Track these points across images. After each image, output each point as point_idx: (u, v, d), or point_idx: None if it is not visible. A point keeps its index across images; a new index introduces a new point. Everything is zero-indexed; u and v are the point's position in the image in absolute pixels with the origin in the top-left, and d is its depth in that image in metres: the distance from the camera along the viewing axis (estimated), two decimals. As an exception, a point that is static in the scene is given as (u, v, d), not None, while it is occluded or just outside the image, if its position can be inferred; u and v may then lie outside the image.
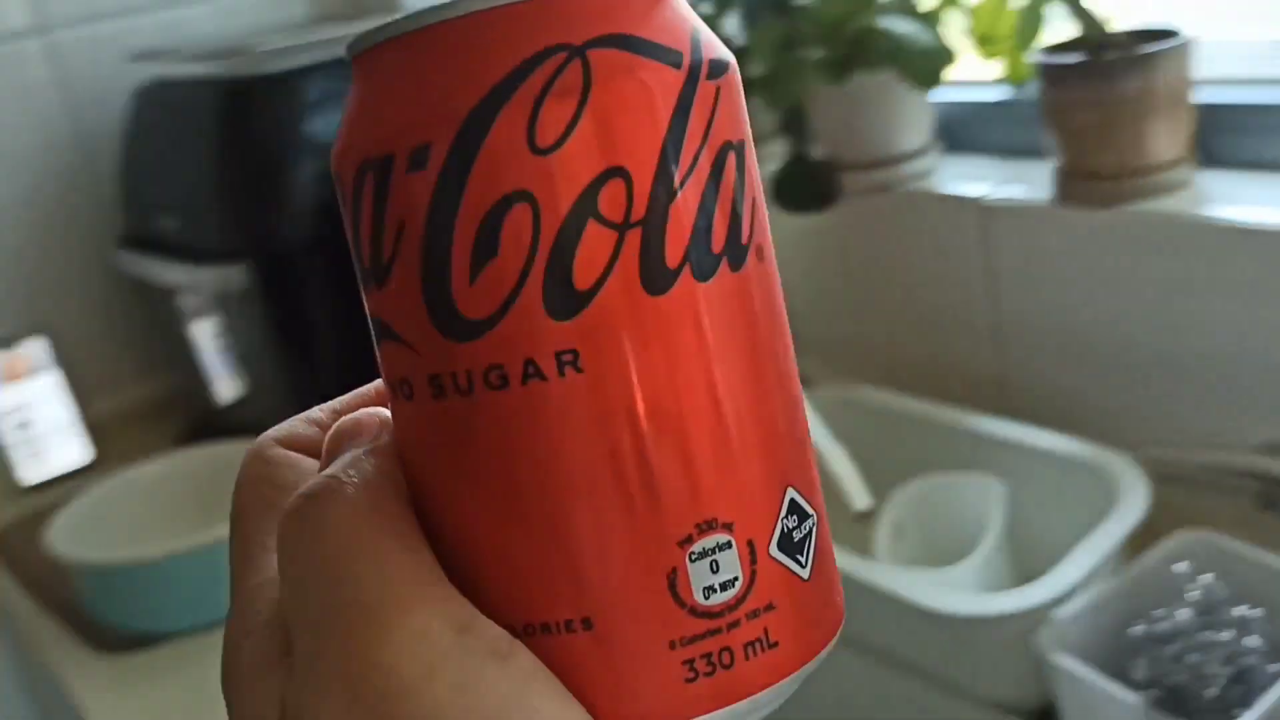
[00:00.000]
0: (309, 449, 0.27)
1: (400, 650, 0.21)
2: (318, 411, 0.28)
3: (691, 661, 0.23)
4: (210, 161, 1.03)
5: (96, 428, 1.33)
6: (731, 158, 0.23)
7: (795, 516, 0.24)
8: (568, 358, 0.22)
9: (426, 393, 0.23)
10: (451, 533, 0.23)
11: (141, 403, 1.38)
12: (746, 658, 0.23)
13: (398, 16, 0.23)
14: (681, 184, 0.23)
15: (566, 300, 0.22)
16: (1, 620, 1.11)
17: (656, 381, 0.22)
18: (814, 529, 0.25)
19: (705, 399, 0.23)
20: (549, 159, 0.22)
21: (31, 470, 1.28)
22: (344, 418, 0.26)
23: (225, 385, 1.20)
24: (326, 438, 0.26)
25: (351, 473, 0.24)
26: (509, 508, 0.23)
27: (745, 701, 0.23)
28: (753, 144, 0.25)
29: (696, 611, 0.23)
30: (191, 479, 1.06)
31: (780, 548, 0.24)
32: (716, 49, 0.24)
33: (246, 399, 1.16)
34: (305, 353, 1.06)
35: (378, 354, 0.25)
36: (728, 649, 0.23)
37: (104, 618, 0.95)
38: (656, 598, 0.23)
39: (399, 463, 0.24)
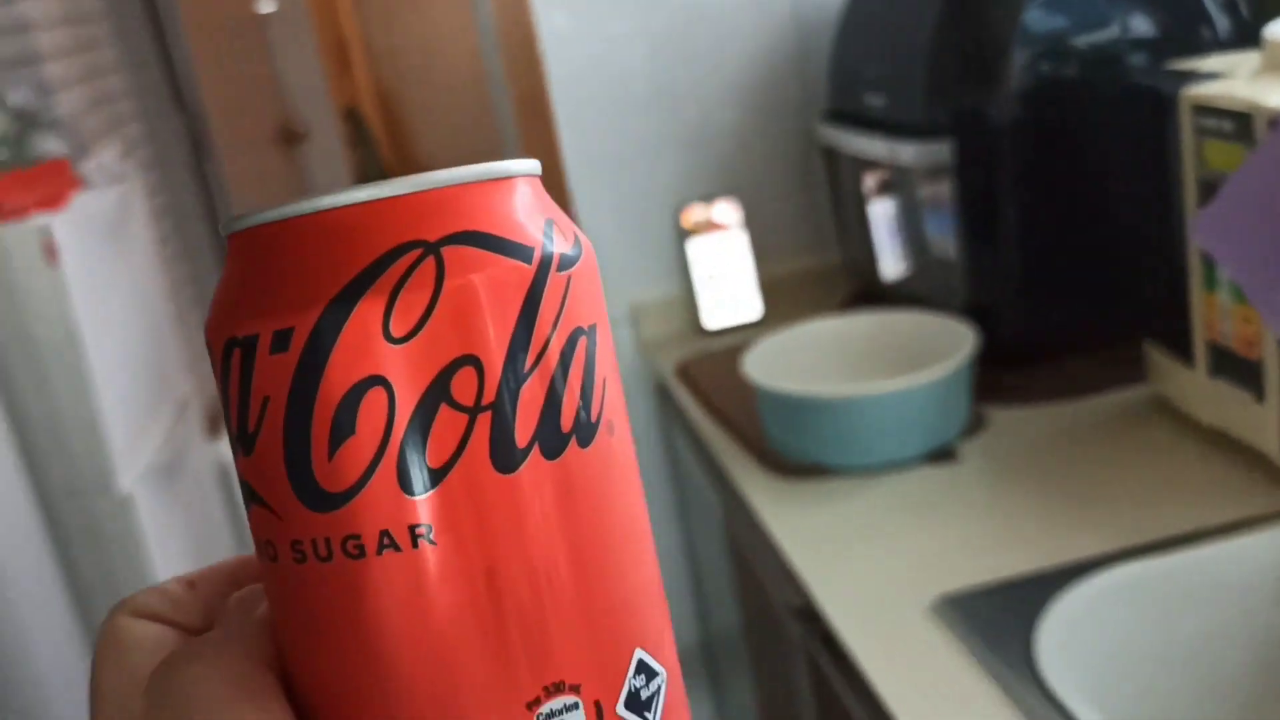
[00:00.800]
0: (159, 618, 0.27)
1: None
2: (172, 583, 0.28)
3: None
4: (927, 41, 1.08)
5: (768, 287, 1.46)
6: (582, 342, 0.25)
7: (643, 675, 0.25)
8: (421, 530, 0.23)
9: (289, 557, 0.24)
10: (312, 693, 0.24)
11: (811, 270, 1.50)
12: None
13: (274, 207, 0.24)
14: (530, 370, 0.24)
15: (420, 477, 0.23)
16: (693, 434, 1.27)
17: (505, 553, 0.23)
18: (662, 686, 0.26)
19: (554, 569, 0.24)
20: (404, 347, 0.23)
21: (712, 316, 1.45)
22: (236, 593, 0.27)
23: (893, 262, 1.28)
24: (221, 609, 0.27)
25: (212, 639, 0.25)
26: (365, 671, 0.24)
27: None
28: (607, 323, 0.26)
29: None
30: (857, 339, 1.14)
31: (628, 706, 0.25)
32: (569, 241, 0.25)
33: (913, 276, 1.22)
34: (988, 236, 1.09)
35: (247, 517, 0.25)
36: None
37: (781, 445, 1.06)
38: None
39: (268, 630, 0.26)
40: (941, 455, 1.02)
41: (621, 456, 0.26)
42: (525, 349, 0.24)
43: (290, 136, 3.00)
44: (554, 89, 1.40)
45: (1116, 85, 1.03)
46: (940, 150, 1.07)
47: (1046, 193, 1.07)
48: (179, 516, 1.71)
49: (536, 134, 1.41)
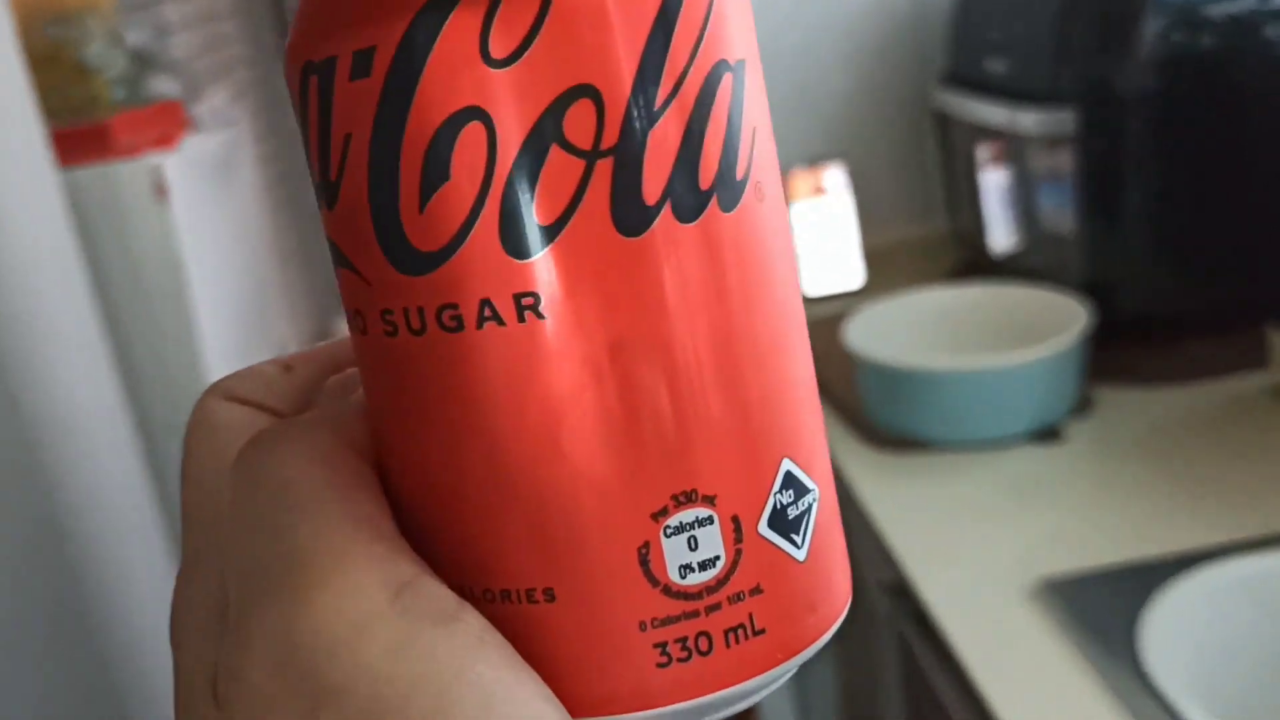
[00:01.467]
0: (254, 402, 0.25)
1: (329, 608, 0.19)
2: (268, 365, 0.25)
3: (664, 645, 0.20)
4: (1056, 6, 1.04)
5: (872, 255, 1.43)
6: (727, 78, 0.20)
7: (791, 491, 0.21)
8: (528, 301, 0.19)
9: (380, 329, 0.21)
10: (406, 485, 0.21)
11: (916, 239, 1.47)
12: (727, 645, 0.21)
13: None
14: (662, 108, 0.19)
15: (526, 236, 0.19)
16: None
17: (628, 335, 0.19)
18: (813, 505, 0.22)
19: (687, 353, 0.20)
20: (506, 72, 0.18)
21: (813, 283, 1.42)
22: (336, 375, 0.25)
23: (1002, 233, 1.23)
24: (320, 393, 0.25)
25: (304, 421, 0.22)
26: (464, 461, 0.20)
27: (723, 693, 0.21)
28: (759, 62, 0.21)
29: (671, 591, 0.20)
30: (963, 311, 1.11)
31: (771, 525, 0.21)
32: None
33: (1024, 249, 1.18)
34: (1110, 210, 1.05)
35: (336, 281, 0.22)
36: (705, 634, 0.20)
37: (880, 417, 1.04)
38: (626, 573, 0.20)
39: (365, 417, 0.22)
40: (1047, 435, 0.98)
41: (773, 226, 0.21)
42: (657, 80, 0.19)
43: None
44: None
45: (1257, 56, 0.98)
46: (1064, 119, 1.03)
47: (1173, 167, 1.02)
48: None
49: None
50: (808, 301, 1.42)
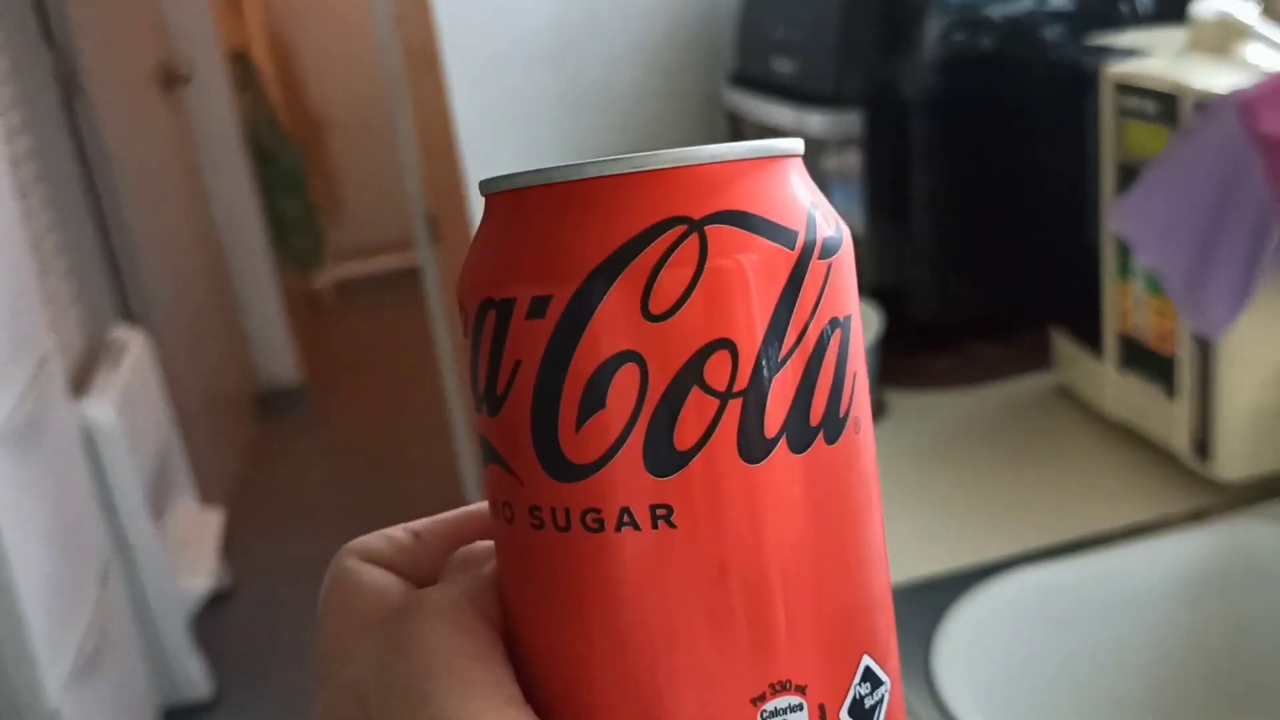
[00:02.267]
0: (386, 565, 0.28)
1: None
2: (399, 530, 0.29)
3: None
4: (839, 6, 1.02)
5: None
6: (837, 334, 0.24)
7: (869, 684, 0.25)
8: (661, 512, 0.23)
9: (527, 522, 0.24)
10: (535, 657, 0.24)
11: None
12: None
13: (535, 169, 0.23)
14: (785, 359, 0.23)
15: (666, 459, 0.22)
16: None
17: (744, 544, 0.23)
18: (885, 695, 0.25)
19: (790, 566, 0.23)
20: (661, 326, 0.22)
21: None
22: (462, 548, 0.28)
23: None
24: (446, 563, 0.28)
25: (446, 593, 0.25)
26: (590, 644, 0.23)
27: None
28: (859, 315, 0.25)
29: None
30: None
31: (851, 713, 0.24)
32: (831, 227, 0.24)
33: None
34: (896, 213, 1.04)
35: (484, 474, 0.25)
36: None
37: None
38: None
39: (493, 590, 0.26)
40: (841, 443, 0.97)
41: (866, 455, 0.25)
42: (782, 337, 0.23)
43: (171, 79, 2.84)
44: (446, 40, 1.31)
45: (1034, 59, 0.98)
46: (849, 121, 1.02)
47: (957, 169, 1.02)
48: (36, 476, 1.60)
49: (426, 88, 1.32)
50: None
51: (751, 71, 1.20)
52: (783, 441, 0.23)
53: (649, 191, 0.23)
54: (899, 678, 0.26)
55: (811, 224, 0.24)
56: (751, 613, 0.23)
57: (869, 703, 0.25)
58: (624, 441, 0.22)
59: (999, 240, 1.06)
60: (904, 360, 1.05)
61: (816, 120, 1.04)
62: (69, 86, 2.26)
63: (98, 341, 2.16)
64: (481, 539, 0.29)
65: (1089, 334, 0.93)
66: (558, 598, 0.24)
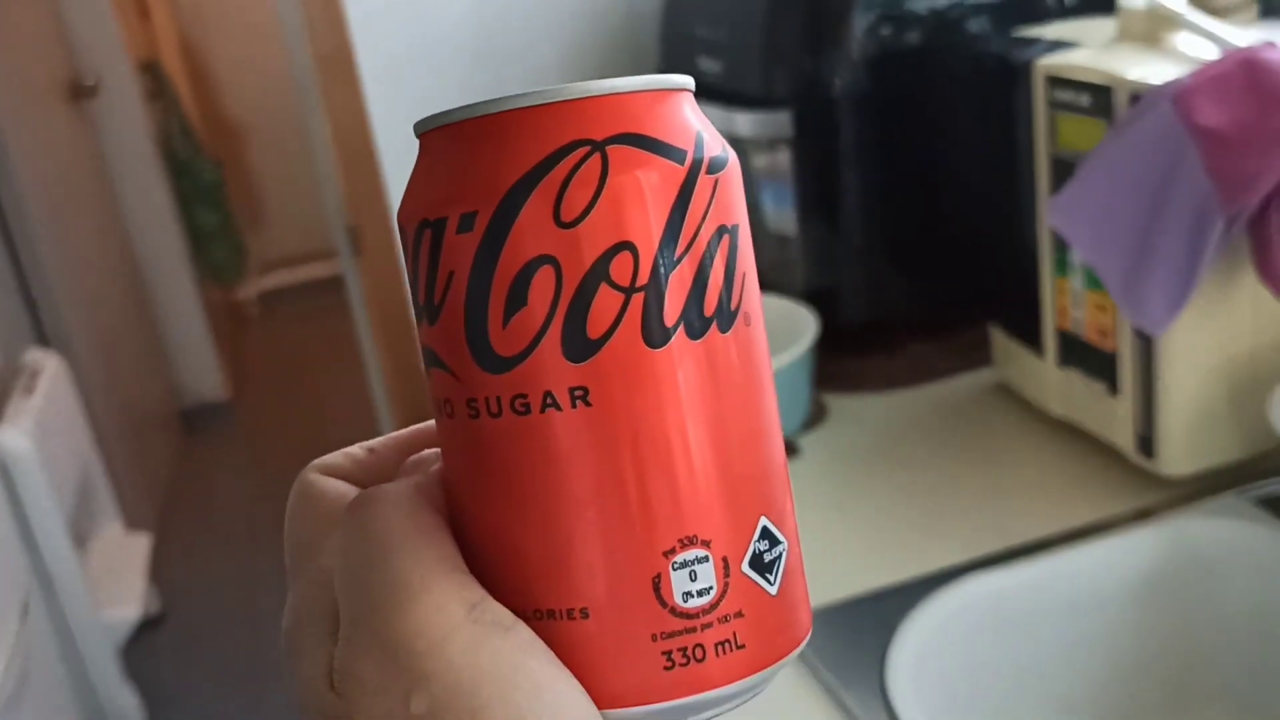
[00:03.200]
0: (344, 477, 0.32)
1: (423, 619, 0.26)
2: (356, 448, 0.33)
3: (669, 653, 0.27)
4: (764, 4, 1.00)
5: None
6: (725, 239, 0.27)
7: (766, 541, 0.28)
8: (579, 393, 0.26)
9: (464, 413, 0.27)
10: (477, 531, 0.28)
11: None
12: (716, 655, 0.27)
13: (462, 105, 0.27)
14: (679, 258, 0.26)
15: (581, 347, 0.26)
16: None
17: (651, 419, 0.26)
18: (784, 554, 0.28)
19: (691, 436, 0.27)
20: (571, 231, 0.26)
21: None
22: (412, 456, 0.32)
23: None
24: (399, 469, 0.32)
25: (398, 486, 0.29)
26: (524, 513, 0.27)
27: (712, 692, 0.27)
28: (747, 225, 0.28)
29: (675, 611, 0.27)
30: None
31: (751, 566, 0.28)
32: (717, 147, 0.28)
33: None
34: (828, 213, 1.02)
35: (426, 379, 0.29)
36: (700, 645, 0.27)
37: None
38: (643, 597, 0.27)
39: (440, 484, 0.29)
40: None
41: (757, 346, 0.28)
42: (676, 239, 0.26)
43: (78, 90, 2.75)
44: (359, 44, 1.26)
45: (962, 53, 0.97)
46: (779, 121, 0.99)
47: (888, 167, 1.01)
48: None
49: (339, 96, 1.28)
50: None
51: (676, 71, 1.17)
52: (681, 329, 0.26)
53: (558, 118, 0.26)
54: (797, 540, 0.29)
55: (700, 144, 0.27)
56: (659, 476, 0.26)
57: (768, 558, 0.28)
58: (544, 333, 0.26)
59: (933, 237, 1.04)
60: (840, 363, 1.04)
61: (744, 121, 1.02)
62: (-31, 102, 2.17)
63: (10, 367, 2.08)
64: (430, 449, 0.32)
65: (1027, 330, 0.91)
66: (493, 478, 0.27)
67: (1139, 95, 0.72)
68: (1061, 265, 0.84)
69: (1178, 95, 0.69)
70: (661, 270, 0.26)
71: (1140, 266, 0.72)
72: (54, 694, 1.80)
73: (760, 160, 1.08)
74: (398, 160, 1.31)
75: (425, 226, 0.27)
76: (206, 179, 3.42)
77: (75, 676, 1.92)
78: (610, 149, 0.26)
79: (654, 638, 0.27)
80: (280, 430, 3.23)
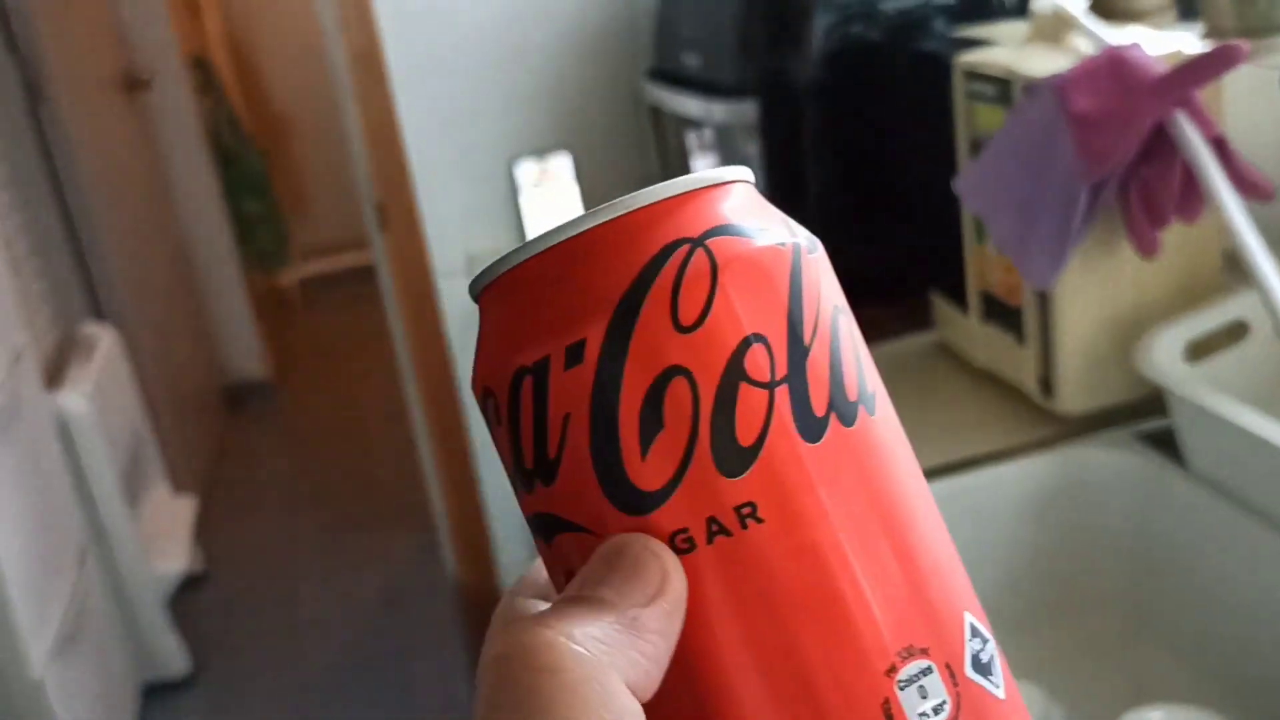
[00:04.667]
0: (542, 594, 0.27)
1: None
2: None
3: None
4: (737, 3, 1.14)
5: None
6: (841, 318, 0.26)
7: (978, 640, 0.25)
8: (746, 510, 0.23)
9: None
10: (682, 696, 0.24)
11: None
12: None
13: (516, 248, 0.25)
14: (810, 342, 0.24)
15: (736, 458, 0.23)
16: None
17: (831, 522, 0.24)
18: (995, 652, 0.26)
19: (877, 534, 0.24)
20: (695, 334, 0.23)
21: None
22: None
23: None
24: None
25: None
26: (726, 665, 0.23)
27: None
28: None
29: None
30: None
31: (974, 669, 0.25)
32: (804, 231, 0.27)
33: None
34: (791, 194, 1.16)
35: (545, 555, 0.26)
36: None
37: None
38: None
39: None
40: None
41: (896, 423, 0.26)
42: (802, 322, 0.24)
43: (133, 84, 2.93)
44: (389, 41, 1.42)
45: (908, 51, 1.10)
46: (748, 110, 1.13)
47: (844, 152, 1.14)
48: (13, 465, 1.70)
49: (370, 88, 1.43)
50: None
51: (666, 66, 1.31)
52: (833, 417, 0.24)
53: (647, 225, 0.24)
54: (994, 637, 0.26)
55: (789, 227, 0.26)
56: (854, 588, 0.23)
57: (984, 657, 0.25)
58: (691, 453, 0.23)
59: (884, 213, 1.17)
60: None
61: (720, 109, 1.16)
62: (34, 93, 2.35)
63: (69, 337, 2.25)
64: None
65: (958, 293, 1.05)
66: (687, 625, 0.23)
67: (1030, 86, 0.86)
68: (979, 233, 0.97)
69: (1058, 85, 0.82)
70: (798, 357, 0.24)
71: (1027, 231, 0.85)
72: (107, 637, 1.97)
73: (742, 146, 1.22)
74: (423, 141, 1.46)
75: (523, 375, 0.24)
76: (252, 168, 3.60)
77: (126, 622, 2.08)
78: (710, 242, 0.24)
79: None
80: (316, 409, 3.41)
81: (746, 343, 0.24)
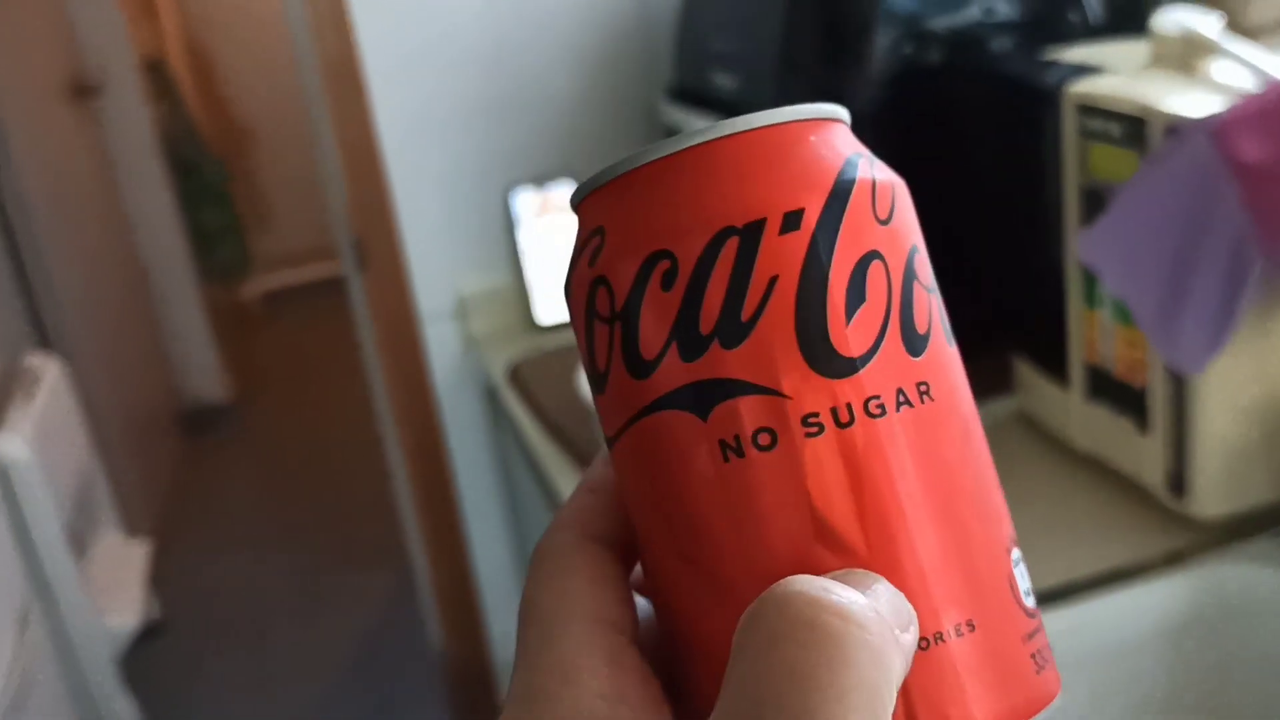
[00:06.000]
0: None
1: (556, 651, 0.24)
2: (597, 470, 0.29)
3: (1034, 655, 0.26)
4: (782, 16, 0.97)
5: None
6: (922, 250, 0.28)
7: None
8: (923, 387, 0.25)
9: (797, 434, 0.24)
10: (873, 550, 0.25)
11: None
12: (1046, 663, 0.26)
13: (698, 129, 0.27)
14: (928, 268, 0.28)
15: (916, 340, 0.26)
16: (524, 447, 1.15)
17: (968, 412, 0.27)
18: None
19: (982, 435, 0.27)
20: (888, 228, 0.26)
21: (546, 311, 1.32)
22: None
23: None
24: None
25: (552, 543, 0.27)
26: (891, 527, 0.24)
27: (1055, 699, 0.26)
28: None
29: (1027, 611, 0.26)
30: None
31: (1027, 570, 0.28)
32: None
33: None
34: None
35: (708, 419, 0.25)
36: (1044, 647, 0.26)
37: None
38: (1007, 598, 0.26)
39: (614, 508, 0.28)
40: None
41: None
42: (924, 250, 0.27)
43: (82, 89, 2.73)
44: (365, 43, 1.24)
45: (986, 73, 0.94)
46: (796, 140, 0.97)
47: (909, 189, 0.98)
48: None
49: (346, 102, 1.25)
50: (545, 330, 1.32)
51: (690, 85, 1.15)
52: (947, 335, 0.27)
53: (833, 132, 0.27)
54: None
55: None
56: (990, 468, 0.27)
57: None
58: (887, 328, 0.25)
59: (952, 262, 1.01)
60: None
61: (761, 139, 0.99)
62: (-29, 103, 2.15)
63: (10, 370, 2.06)
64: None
65: (1050, 361, 0.89)
66: (846, 497, 0.24)
67: (1175, 128, 0.70)
68: (1091, 297, 0.81)
69: (1217, 129, 0.66)
70: (934, 279, 0.27)
71: (1175, 305, 0.69)
72: (54, 705, 1.78)
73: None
74: (404, 168, 1.29)
75: (727, 235, 0.25)
76: (211, 178, 3.40)
77: (75, 687, 1.90)
78: (875, 162, 0.27)
79: (1023, 639, 0.26)
80: (282, 431, 3.21)
81: (914, 249, 0.27)
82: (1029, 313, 0.93)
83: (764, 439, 0.24)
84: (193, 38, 3.90)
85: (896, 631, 0.22)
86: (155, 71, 3.26)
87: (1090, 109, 0.77)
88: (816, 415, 0.24)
